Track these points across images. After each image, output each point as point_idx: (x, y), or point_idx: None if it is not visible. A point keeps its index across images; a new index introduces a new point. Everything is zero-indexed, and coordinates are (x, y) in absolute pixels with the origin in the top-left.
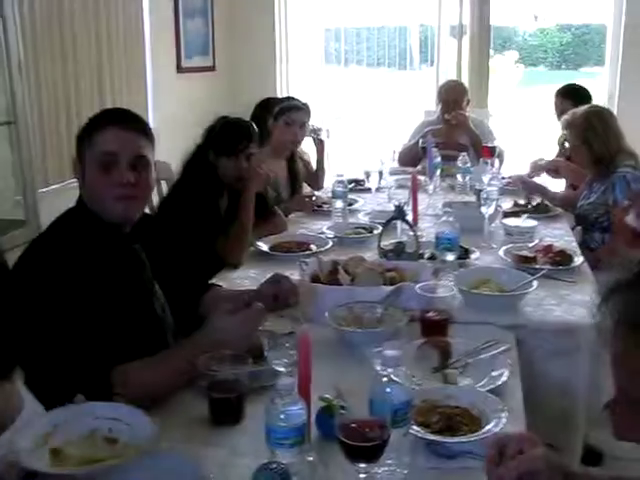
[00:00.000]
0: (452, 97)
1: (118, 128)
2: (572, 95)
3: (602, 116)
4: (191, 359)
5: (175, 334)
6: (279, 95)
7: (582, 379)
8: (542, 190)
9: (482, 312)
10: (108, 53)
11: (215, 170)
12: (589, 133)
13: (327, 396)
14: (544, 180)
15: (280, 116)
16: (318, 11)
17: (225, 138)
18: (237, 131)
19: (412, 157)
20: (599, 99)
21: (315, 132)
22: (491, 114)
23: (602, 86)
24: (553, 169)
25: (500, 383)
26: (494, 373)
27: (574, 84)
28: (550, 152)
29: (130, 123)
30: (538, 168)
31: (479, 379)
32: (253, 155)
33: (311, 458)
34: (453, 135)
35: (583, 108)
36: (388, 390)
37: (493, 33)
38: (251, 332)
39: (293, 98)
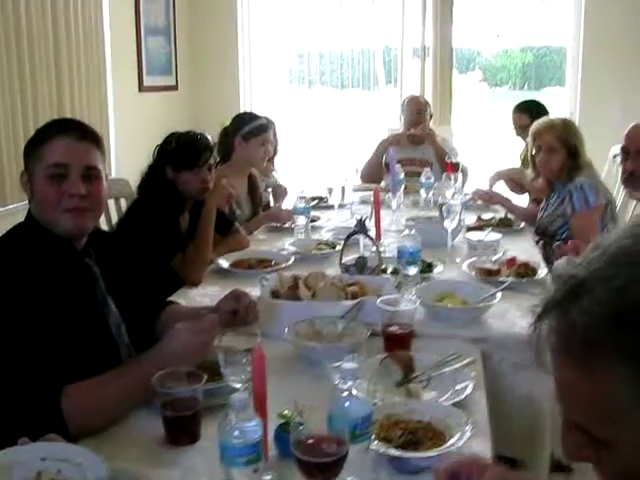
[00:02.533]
0: (415, 108)
1: (68, 139)
2: (528, 109)
3: (576, 127)
4: (145, 375)
5: (131, 353)
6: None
7: (548, 392)
8: (504, 202)
9: (446, 325)
10: (68, 70)
11: (174, 187)
12: (573, 138)
13: (286, 412)
14: (507, 194)
15: (252, 136)
16: (283, 32)
17: (185, 152)
18: (197, 143)
19: (375, 173)
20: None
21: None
22: (454, 133)
23: (563, 105)
24: (518, 184)
25: (464, 396)
26: (458, 386)
27: (531, 100)
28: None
29: (80, 133)
30: (498, 176)
31: (443, 393)
32: (213, 167)
33: (269, 477)
34: (417, 151)
35: (555, 116)
36: (347, 405)
37: (456, 54)
38: (205, 344)
39: (259, 116)
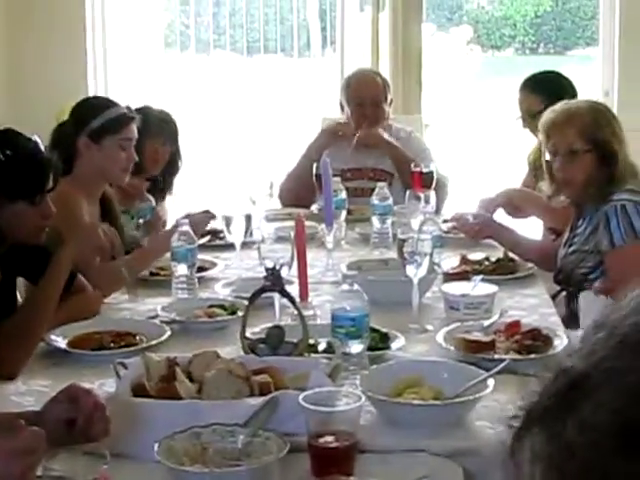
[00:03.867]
0: (367, 95)
1: None
2: (543, 87)
3: (613, 114)
4: None
5: None
6: None
7: None
8: (502, 234)
9: (408, 433)
10: None
11: None
12: (606, 132)
13: None
14: (505, 221)
15: (106, 134)
16: None
17: (21, 173)
18: (39, 160)
19: (301, 191)
20: (592, 95)
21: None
22: (427, 123)
23: (595, 77)
24: (514, 204)
25: None
26: None
27: (547, 71)
28: (517, 177)
29: None
30: (489, 203)
31: None
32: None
33: None
34: (367, 157)
35: (582, 100)
36: None
37: (432, 1)
38: (22, 475)
39: (114, 102)
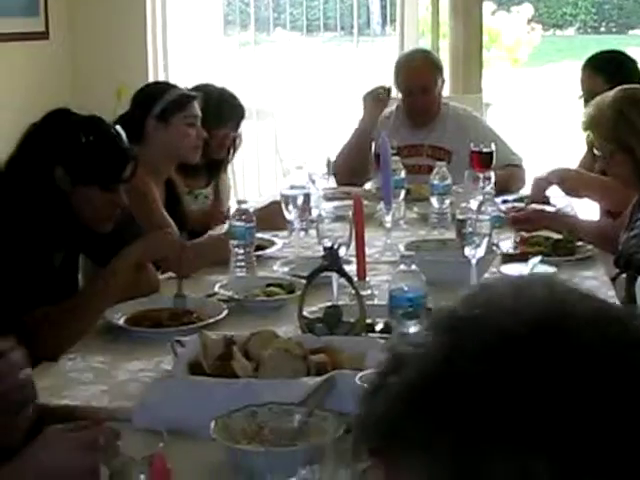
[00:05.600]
0: (415, 84)
1: None
2: (605, 67)
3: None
4: None
5: None
6: (152, 79)
7: None
8: (559, 221)
9: None
10: None
11: (66, 203)
12: (626, 131)
13: None
14: (565, 202)
15: (173, 114)
16: None
17: (99, 162)
18: (122, 150)
19: (358, 169)
20: None
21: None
22: (489, 103)
23: None
24: (567, 186)
25: None
26: None
27: (611, 51)
28: (576, 158)
29: None
30: (541, 182)
31: None
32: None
33: None
34: (426, 134)
35: (614, 91)
36: None
37: None
38: (91, 470)
39: (174, 85)
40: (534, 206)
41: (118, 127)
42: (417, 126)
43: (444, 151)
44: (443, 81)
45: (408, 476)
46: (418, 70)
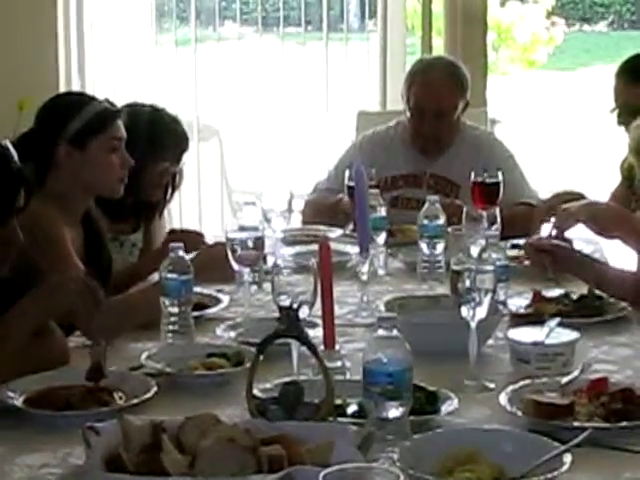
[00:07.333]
0: (429, 106)
1: None
2: None
3: None
4: None
5: None
6: (63, 89)
7: None
8: (589, 270)
9: None
10: None
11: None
12: None
13: None
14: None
15: (91, 135)
16: None
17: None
18: (6, 177)
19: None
20: None
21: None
22: (496, 119)
23: None
24: (600, 224)
25: None
26: None
27: None
28: (607, 187)
29: None
30: (567, 217)
31: None
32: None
33: None
34: (428, 161)
35: None
36: None
37: None
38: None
39: (94, 97)
40: (559, 242)
41: (5, 142)
42: (422, 152)
43: (450, 183)
44: (467, 104)
45: None
46: (435, 88)
